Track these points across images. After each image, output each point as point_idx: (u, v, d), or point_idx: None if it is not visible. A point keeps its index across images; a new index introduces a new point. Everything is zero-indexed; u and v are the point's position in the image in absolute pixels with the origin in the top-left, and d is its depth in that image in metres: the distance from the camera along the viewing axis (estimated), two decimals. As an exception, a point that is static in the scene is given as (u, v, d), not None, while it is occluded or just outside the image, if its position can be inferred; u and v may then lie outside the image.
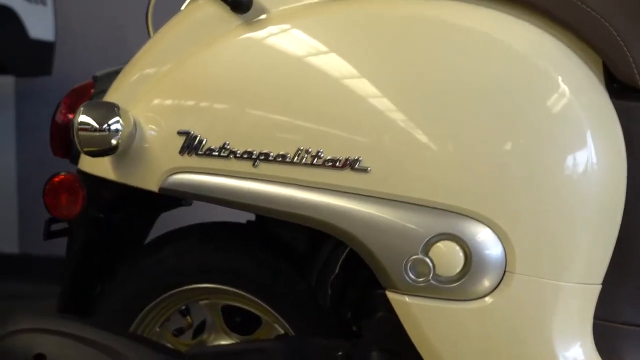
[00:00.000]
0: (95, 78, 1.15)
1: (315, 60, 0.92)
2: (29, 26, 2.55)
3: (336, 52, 0.91)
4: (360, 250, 0.89)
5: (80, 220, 1.10)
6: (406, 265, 0.86)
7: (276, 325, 1.12)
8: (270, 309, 1.09)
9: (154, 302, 1.13)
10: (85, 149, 0.98)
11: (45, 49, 2.65)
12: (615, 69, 0.85)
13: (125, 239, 1.21)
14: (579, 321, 0.85)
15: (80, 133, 0.97)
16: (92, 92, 1.15)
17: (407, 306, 0.87)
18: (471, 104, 0.85)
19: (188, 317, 1.20)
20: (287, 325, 1.10)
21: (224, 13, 0.99)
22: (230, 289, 1.10)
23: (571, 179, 0.83)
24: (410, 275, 0.86)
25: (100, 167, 1.03)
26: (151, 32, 1.14)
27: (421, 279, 0.86)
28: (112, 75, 1.10)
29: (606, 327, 0.86)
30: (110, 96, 1.05)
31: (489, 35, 0.87)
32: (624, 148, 0.85)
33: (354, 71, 0.90)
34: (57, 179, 1.09)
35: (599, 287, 0.86)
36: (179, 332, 1.19)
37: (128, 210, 1.18)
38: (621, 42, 0.84)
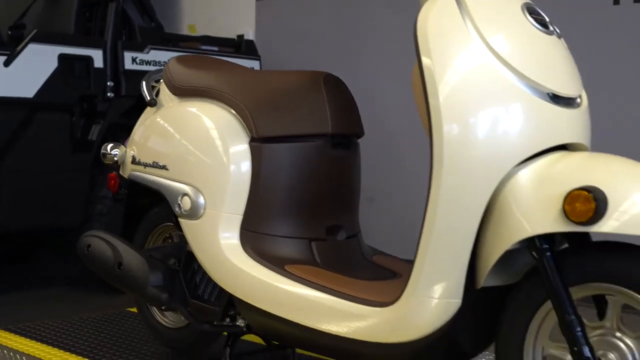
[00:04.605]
0: None
1: (166, 126, 2.26)
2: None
3: (172, 124, 2.25)
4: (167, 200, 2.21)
5: (120, 193, 2.57)
6: (175, 205, 2.16)
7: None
8: None
9: (153, 231, 2.54)
10: (105, 162, 2.44)
11: None
12: (248, 128, 2.07)
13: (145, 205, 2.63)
14: (234, 231, 2.07)
15: (103, 155, 2.44)
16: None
17: (181, 223, 2.17)
18: (200, 143, 2.12)
19: (169, 239, 2.57)
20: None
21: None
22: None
23: (220, 168, 2.05)
24: (177, 209, 2.15)
25: (121, 169, 2.49)
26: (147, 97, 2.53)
27: (178, 211, 2.15)
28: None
29: (250, 234, 2.06)
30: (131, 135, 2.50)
31: (204, 116, 2.14)
32: (250, 158, 2.06)
33: (173, 133, 2.22)
34: (111, 174, 2.56)
35: (241, 215, 2.06)
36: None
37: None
38: (249, 115, 2.06)
